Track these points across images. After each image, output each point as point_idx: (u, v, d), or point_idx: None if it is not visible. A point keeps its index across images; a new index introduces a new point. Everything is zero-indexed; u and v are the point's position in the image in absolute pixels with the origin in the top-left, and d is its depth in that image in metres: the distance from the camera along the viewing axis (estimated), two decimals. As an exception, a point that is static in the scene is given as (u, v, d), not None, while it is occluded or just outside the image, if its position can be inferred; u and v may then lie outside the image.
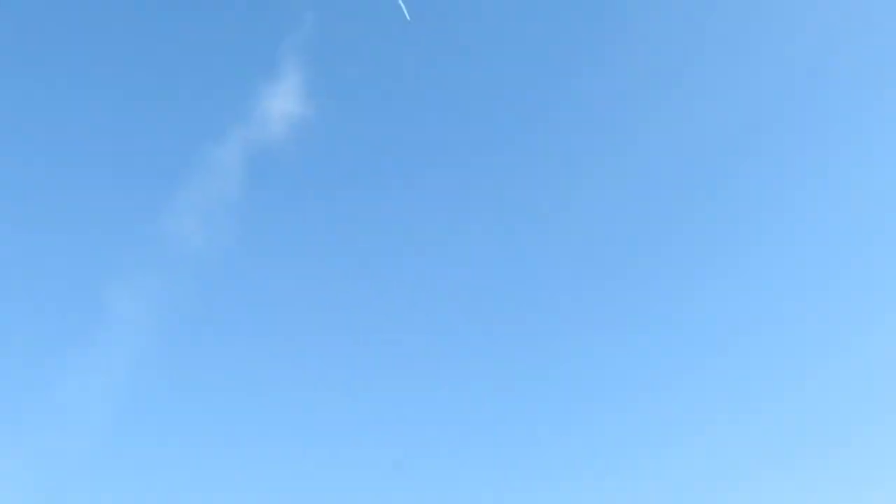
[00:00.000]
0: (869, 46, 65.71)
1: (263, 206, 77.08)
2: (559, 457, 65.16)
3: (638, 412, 65.96)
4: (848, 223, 66.94)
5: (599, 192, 74.83)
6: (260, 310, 75.74)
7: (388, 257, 77.07)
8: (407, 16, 63.55)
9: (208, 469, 67.32)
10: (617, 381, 68.02)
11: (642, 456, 63.85)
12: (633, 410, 66.19)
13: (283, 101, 71.65)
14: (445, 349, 72.98)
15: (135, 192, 76.23)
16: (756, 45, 69.03)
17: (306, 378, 72.67)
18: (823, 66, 68.11)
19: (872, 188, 66.06)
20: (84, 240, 75.54)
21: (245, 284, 76.53)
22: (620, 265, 73.17)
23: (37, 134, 75.32)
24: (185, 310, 74.05)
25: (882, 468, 58.64)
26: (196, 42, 76.29)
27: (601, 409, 67.33)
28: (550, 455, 65.38)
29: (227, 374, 72.81)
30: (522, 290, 74.50)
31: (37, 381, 67.21)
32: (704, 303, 69.70)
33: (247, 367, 72.89)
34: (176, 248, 72.77)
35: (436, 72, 69.43)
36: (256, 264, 76.98)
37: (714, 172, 72.10)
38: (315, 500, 64.73)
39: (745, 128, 70.64)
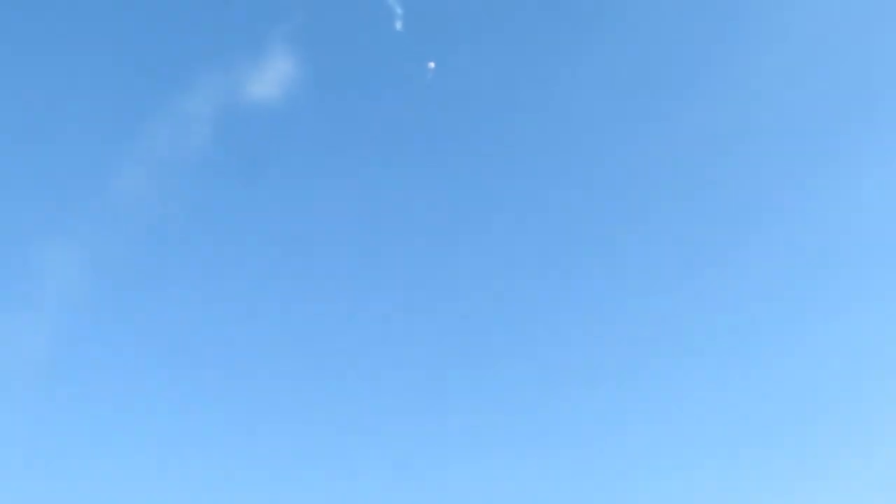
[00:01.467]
0: (864, 47, 66.34)
1: (230, 169, 70.42)
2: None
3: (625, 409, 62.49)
4: (841, 226, 66.18)
5: (585, 189, 71.80)
6: (209, 281, 68.78)
7: (355, 233, 71.53)
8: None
9: (136, 442, 60.33)
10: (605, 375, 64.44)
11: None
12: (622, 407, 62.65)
13: (270, 58, 65.76)
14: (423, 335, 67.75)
15: (83, 139, 68.35)
16: (747, 46, 68.63)
17: (259, 353, 66.10)
18: (815, 68, 68.33)
19: (866, 191, 65.68)
20: (20, 189, 67.46)
21: (197, 251, 69.56)
22: (607, 262, 70.01)
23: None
24: (125, 274, 66.38)
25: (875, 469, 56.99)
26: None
27: (588, 404, 63.44)
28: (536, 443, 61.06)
29: (163, 346, 65.50)
30: (498, 279, 70.17)
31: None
32: (689, 302, 67.11)
33: (187, 339, 65.84)
34: (124, 205, 65.43)
35: (427, 53, 65.62)
36: (212, 230, 70.25)
37: (703, 173, 70.37)
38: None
39: (735, 129, 69.60)
